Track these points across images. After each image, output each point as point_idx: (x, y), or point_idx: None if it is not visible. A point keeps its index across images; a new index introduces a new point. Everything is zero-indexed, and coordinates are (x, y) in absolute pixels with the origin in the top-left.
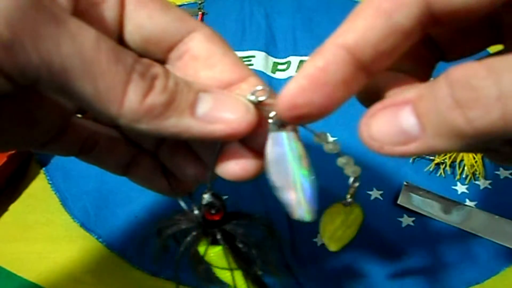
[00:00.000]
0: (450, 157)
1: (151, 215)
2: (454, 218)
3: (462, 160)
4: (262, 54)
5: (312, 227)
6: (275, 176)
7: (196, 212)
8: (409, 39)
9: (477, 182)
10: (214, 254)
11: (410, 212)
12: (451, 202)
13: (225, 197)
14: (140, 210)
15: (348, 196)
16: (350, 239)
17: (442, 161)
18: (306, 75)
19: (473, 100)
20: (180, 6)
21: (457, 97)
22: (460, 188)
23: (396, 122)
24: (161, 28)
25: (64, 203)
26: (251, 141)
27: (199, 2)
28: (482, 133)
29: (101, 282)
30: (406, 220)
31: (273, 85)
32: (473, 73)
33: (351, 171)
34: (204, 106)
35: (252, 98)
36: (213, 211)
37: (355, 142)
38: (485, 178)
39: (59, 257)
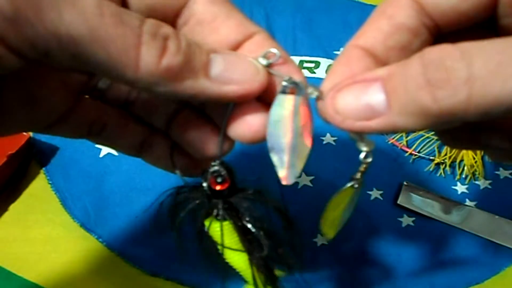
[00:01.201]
0: (450, 157)
1: (151, 215)
2: (454, 218)
3: (462, 160)
4: None
5: (312, 227)
6: (271, 137)
7: (204, 184)
8: (417, 35)
9: (477, 182)
10: (218, 229)
11: (410, 212)
12: (451, 202)
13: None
14: (140, 210)
15: (359, 175)
16: (345, 222)
17: (442, 161)
18: (335, 71)
19: (444, 80)
20: None
21: (428, 76)
22: (460, 188)
23: (364, 97)
24: None
25: (64, 203)
26: (262, 101)
27: None
28: (446, 114)
29: (101, 282)
30: (406, 220)
31: None
32: (447, 55)
33: (364, 145)
34: (217, 67)
35: (263, 61)
36: (219, 180)
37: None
38: (485, 178)
39: (59, 257)
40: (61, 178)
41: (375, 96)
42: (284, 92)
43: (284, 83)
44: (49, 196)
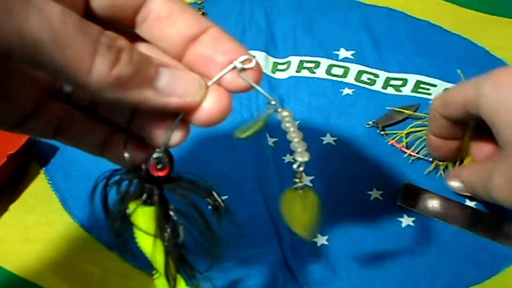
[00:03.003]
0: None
1: None
2: (454, 218)
3: (461, 161)
4: (262, 54)
5: None
6: None
7: (143, 167)
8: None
9: None
10: (143, 214)
11: (410, 212)
12: (451, 202)
13: (225, 197)
14: None
15: (297, 180)
16: (313, 223)
17: (442, 161)
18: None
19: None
20: None
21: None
22: None
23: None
24: None
25: (64, 203)
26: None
27: (199, 2)
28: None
29: (102, 282)
30: (406, 220)
31: (273, 85)
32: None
33: (299, 155)
34: (163, 80)
35: (239, 65)
36: (159, 166)
37: (355, 141)
38: None
39: (59, 257)
40: (61, 178)
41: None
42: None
43: (269, 107)
44: (49, 196)
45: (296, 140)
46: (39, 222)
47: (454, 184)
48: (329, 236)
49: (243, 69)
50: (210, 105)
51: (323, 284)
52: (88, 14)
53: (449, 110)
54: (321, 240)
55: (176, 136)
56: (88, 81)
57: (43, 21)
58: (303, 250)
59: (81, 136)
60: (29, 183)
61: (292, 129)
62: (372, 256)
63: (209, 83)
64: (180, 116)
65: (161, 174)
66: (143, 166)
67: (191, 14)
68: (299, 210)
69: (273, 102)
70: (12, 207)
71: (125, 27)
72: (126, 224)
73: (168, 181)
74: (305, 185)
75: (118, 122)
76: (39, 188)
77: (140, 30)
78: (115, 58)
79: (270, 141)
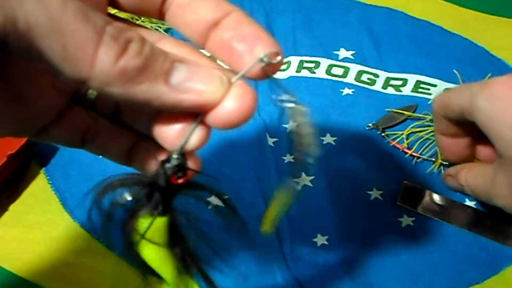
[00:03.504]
0: None
1: None
2: (454, 218)
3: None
4: None
5: (312, 227)
6: None
7: (161, 177)
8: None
9: None
10: (157, 226)
11: (410, 212)
12: (451, 202)
13: (225, 197)
14: None
15: (300, 176)
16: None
17: (443, 161)
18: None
19: (464, 185)
20: None
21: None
22: None
23: (455, 183)
24: None
25: (64, 203)
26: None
27: None
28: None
29: (102, 282)
30: (406, 220)
31: (273, 85)
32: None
33: (314, 150)
34: (179, 75)
35: (265, 59)
36: (179, 175)
37: (355, 141)
38: None
39: (59, 257)
40: (61, 178)
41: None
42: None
43: (283, 101)
44: (49, 196)
45: (310, 135)
46: (39, 222)
47: (452, 183)
48: (329, 236)
49: (268, 64)
50: (232, 104)
51: (323, 284)
52: (113, 6)
53: (449, 114)
54: (321, 240)
55: (195, 139)
56: (91, 74)
57: (39, 6)
58: (303, 250)
59: (107, 144)
60: (29, 183)
61: (308, 125)
62: (372, 256)
63: (233, 79)
64: (199, 116)
65: (181, 182)
66: (162, 174)
67: (213, 0)
68: (280, 207)
69: (292, 98)
70: (12, 207)
71: (153, 18)
72: (136, 237)
73: (186, 189)
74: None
75: (139, 129)
76: (39, 188)
77: (168, 20)
78: (122, 49)
79: (270, 141)
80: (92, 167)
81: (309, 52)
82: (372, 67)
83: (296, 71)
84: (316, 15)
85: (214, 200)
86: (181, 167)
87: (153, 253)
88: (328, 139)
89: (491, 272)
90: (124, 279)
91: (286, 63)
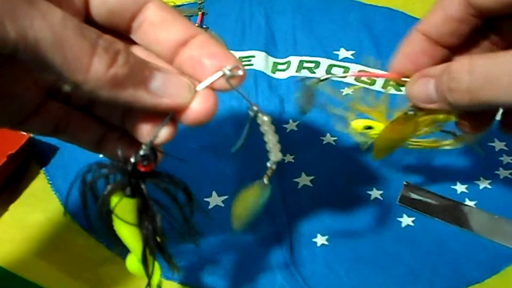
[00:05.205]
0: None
1: None
2: (454, 218)
3: None
4: (262, 54)
5: (312, 227)
6: None
7: (131, 162)
8: (465, 23)
9: (476, 182)
10: (126, 205)
11: (410, 212)
12: (451, 202)
13: (225, 197)
14: None
15: (266, 177)
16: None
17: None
18: (401, 51)
19: (455, 88)
20: (180, 6)
21: (449, 84)
22: (460, 188)
23: (425, 89)
24: (122, 1)
25: (64, 203)
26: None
27: (199, 2)
28: (462, 107)
29: (102, 282)
30: (406, 220)
31: (273, 85)
32: (460, 69)
33: (274, 156)
34: (156, 82)
35: (228, 72)
36: (145, 163)
37: (355, 141)
38: (485, 177)
39: (59, 257)
40: (61, 178)
41: (431, 89)
42: (253, 118)
43: (251, 113)
44: (49, 196)
45: (272, 142)
46: (39, 222)
47: (423, 90)
48: (329, 236)
49: (231, 77)
50: (198, 107)
51: (323, 284)
52: (88, 21)
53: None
54: (321, 240)
55: (164, 134)
56: (86, 80)
57: (46, 24)
58: (303, 250)
59: (78, 134)
60: (29, 183)
61: (270, 132)
62: (372, 256)
63: (198, 87)
64: (169, 115)
65: (146, 169)
66: (131, 161)
67: (182, 21)
68: (250, 205)
69: (255, 108)
70: (12, 207)
71: (121, 33)
72: (109, 214)
73: (151, 176)
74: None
75: (113, 121)
76: (39, 188)
77: (135, 36)
78: (112, 59)
79: None
80: None
81: (309, 52)
82: (372, 67)
83: (296, 71)
84: (316, 15)
85: (214, 200)
86: (148, 157)
87: (124, 230)
88: (328, 139)
89: (491, 272)
90: (125, 279)
91: (286, 63)
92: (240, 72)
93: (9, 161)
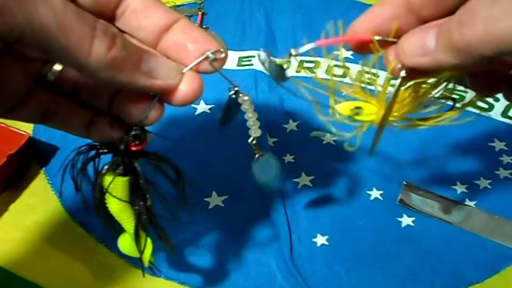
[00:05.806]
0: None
1: None
2: (454, 218)
3: None
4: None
5: (312, 227)
6: None
7: (123, 141)
8: None
9: (476, 182)
10: (120, 184)
11: (410, 212)
12: (451, 202)
13: (225, 197)
14: None
15: (256, 152)
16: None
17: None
18: (371, 12)
19: (470, 19)
20: (180, 6)
21: (461, 19)
22: (460, 188)
23: (422, 40)
24: None
25: (64, 203)
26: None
27: (199, 2)
28: (469, 47)
29: (102, 282)
30: (406, 220)
31: (272, 85)
32: (481, 1)
33: (254, 132)
34: (149, 64)
35: (211, 55)
36: (136, 142)
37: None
38: (485, 177)
39: (59, 257)
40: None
41: (430, 39)
42: (234, 97)
43: (231, 92)
44: (49, 196)
45: (252, 119)
46: (39, 222)
47: (416, 40)
48: (329, 236)
49: (214, 59)
50: (185, 87)
51: (323, 284)
52: None
53: None
54: (321, 240)
55: (153, 114)
56: (87, 62)
57: (49, 10)
58: (303, 250)
59: (67, 120)
60: (29, 183)
61: (250, 110)
62: (372, 256)
63: (185, 70)
64: (157, 97)
65: (138, 148)
66: (124, 141)
67: (163, 8)
68: (267, 171)
69: (236, 88)
70: (12, 207)
71: (106, 20)
72: (102, 192)
73: (142, 155)
74: (263, 153)
75: (99, 106)
76: (39, 188)
77: (119, 23)
78: (111, 42)
79: (270, 141)
80: (92, 167)
81: (309, 52)
82: (372, 67)
83: (296, 71)
84: (316, 15)
85: (214, 200)
86: (139, 137)
87: (117, 207)
88: (328, 139)
89: (491, 272)
90: (125, 280)
91: (286, 63)
92: (223, 55)
93: (9, 161)
